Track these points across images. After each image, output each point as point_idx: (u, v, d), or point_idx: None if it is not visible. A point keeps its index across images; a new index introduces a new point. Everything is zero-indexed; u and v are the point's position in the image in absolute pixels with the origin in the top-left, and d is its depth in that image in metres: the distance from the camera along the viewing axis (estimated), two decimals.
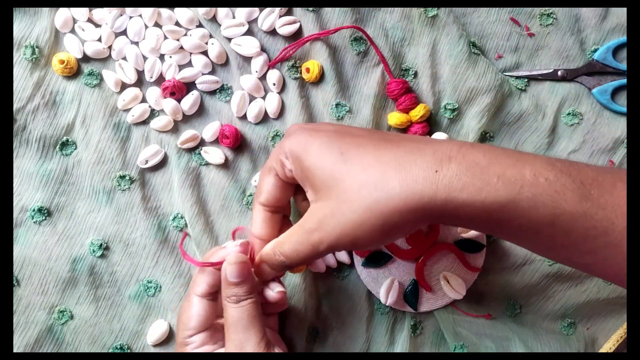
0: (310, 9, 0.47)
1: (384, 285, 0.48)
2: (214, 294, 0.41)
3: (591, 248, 0.32)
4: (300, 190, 0.41)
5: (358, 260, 0.48)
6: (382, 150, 0.35)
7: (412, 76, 0.49)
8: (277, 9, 0.47)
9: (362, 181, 0.34)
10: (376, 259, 0.48)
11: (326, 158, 0.35)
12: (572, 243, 0.33)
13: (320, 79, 0.48)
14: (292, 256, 0.38)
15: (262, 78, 0.48)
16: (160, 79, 0.47)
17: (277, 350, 0.39)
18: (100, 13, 0.46)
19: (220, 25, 0.47)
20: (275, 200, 0.41)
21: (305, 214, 0.37)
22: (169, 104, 0.47)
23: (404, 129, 0.48)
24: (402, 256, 0.48)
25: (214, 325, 0.41)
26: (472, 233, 0.48)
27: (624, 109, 0.49)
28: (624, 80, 0.49)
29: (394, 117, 0.48)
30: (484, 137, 0.49)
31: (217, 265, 0.39)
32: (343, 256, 0.48)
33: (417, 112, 0.47)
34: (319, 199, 0.36)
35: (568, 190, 0.32)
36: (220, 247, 0.40)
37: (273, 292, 0.41)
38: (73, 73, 0.46)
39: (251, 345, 0.38)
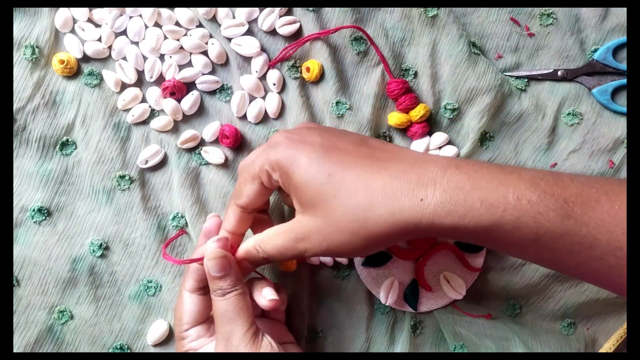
0: (310, 9, 0.47)
1: (383, 285, 0.48)
2: (204, 289, 0.41)
3: (578, 262, 0.34)
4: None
5: (358, 261, 0.48)
6: (369, 173, 0.35)
7: (412, 76, 0.49)
8: (277, 9, 0.47)
9: (349, 206, 0.35)
10: (376, 259, 0.48)
11: (314, 178, 0.36)
12: (559, 258, 0.34)
13: (321, 78, 0.48)
14: (275, 256, 0.39)
15: (262, 78, 0.48)
16: (160, 79, 0.47)
17: (267, 339, 0.39)
18: (100, 13, 0.46)
19: (220, 25, 0.47)
20: (255, 205, 0.41)
21: (293, 222, 0.38)
22: (169, 104, 0.47)
23: (404, 128, 0.48)
24: (402, 256, 0.48)
25: (210, 319, 0.42)
26: None
27: (624, 109, 0.49)
28: (624, 80, 0.49)
29: (394, 117, 0.48)
30: (484, 137, 0.49)
31: (198, 261, 0.40)
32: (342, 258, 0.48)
33: (417, 112, 0.47)
34: (306, 213, 0.37)
35: (551, 210, 0.33)
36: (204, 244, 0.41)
37: (265, 300, 0.41)
38: (73, 73, 0.46)
39: (238, 336, 0.38)
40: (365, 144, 0.38)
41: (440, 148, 0.48)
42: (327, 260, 0.48)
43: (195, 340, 0.42)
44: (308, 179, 0.36)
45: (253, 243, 0.40)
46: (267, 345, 0.40)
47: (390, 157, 0.37)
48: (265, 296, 0.41)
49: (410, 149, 0.38)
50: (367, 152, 0.37)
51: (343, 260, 0.48)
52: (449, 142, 0.49)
